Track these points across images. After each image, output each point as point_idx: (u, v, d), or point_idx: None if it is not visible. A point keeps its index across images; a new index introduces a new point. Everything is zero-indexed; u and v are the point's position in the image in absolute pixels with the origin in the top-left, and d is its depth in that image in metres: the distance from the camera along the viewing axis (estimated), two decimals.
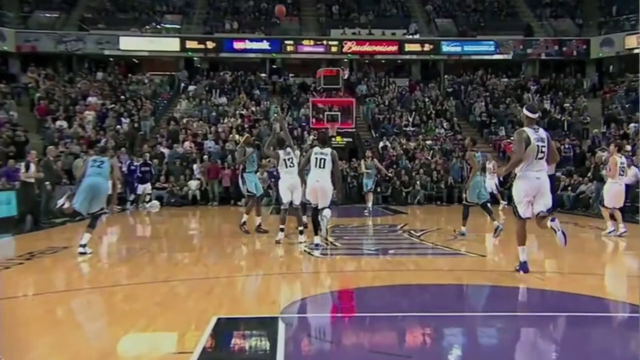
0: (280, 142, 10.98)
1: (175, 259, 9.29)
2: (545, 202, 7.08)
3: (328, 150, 9.64)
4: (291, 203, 10.43)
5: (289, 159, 10.52)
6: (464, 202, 11.45)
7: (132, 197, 19.62)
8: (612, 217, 11.76)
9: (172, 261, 9.14)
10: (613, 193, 11.67)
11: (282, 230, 10.43)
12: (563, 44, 32.62)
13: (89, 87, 27.64)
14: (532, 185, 7.07)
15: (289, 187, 10.42)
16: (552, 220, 6.91)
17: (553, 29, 34.37)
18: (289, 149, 10.67)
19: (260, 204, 12.80)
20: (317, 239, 9.62)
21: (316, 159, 9.53)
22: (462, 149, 23.72)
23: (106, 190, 9.55)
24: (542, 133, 7.17)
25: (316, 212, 9.61)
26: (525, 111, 7.27)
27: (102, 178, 9.44)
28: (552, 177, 16.78)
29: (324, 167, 9.49)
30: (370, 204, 17.15)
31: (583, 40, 32.65)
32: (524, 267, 7.24)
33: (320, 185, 9.44)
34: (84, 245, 9.13)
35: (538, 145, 7.02)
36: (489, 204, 11.39)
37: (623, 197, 11.86)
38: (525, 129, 7.13)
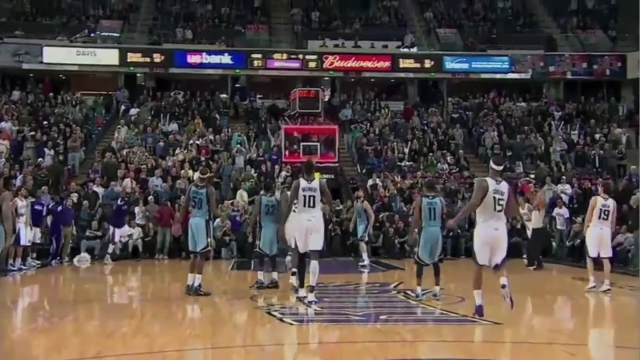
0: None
1: (109, 329, 9.14)
2: (501, 254, 8.74)
3: (316, 184, 10.19)
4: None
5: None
6: (415, 258, 11.35)
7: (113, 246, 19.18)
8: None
9: (105, 331, 8.98)
10: (593, 238, 12.48)
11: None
12: (593, 61, 33.30)
13: (3, 109, 27.48)
14: (491, 236, 8.79)
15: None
16: (503, 286, 8.55)
17: (581, 43, 35.13)
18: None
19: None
20: (302, 292, 10.33)
21: (304, 197, 10.07)
22: (470, 188, 23.92)
23: None
24: (504, 187, 8.88)
25: (302, 259, 10.15)
26: (491, 163, 9.08)
27: None
28: (540, 231, 17.35)
29: (314, 205, 10.10)
30: (365, 255, 17.39)
31: (618, 57, 33.35)
32: (479, 310, 8.76)
33: (312, 224, 10.10)
34: None
35: (495, 197, 8.71)
36: (440, 264, 11.34)
37: (608, 244, 12.59)
38: (487, 178, 8.89)
